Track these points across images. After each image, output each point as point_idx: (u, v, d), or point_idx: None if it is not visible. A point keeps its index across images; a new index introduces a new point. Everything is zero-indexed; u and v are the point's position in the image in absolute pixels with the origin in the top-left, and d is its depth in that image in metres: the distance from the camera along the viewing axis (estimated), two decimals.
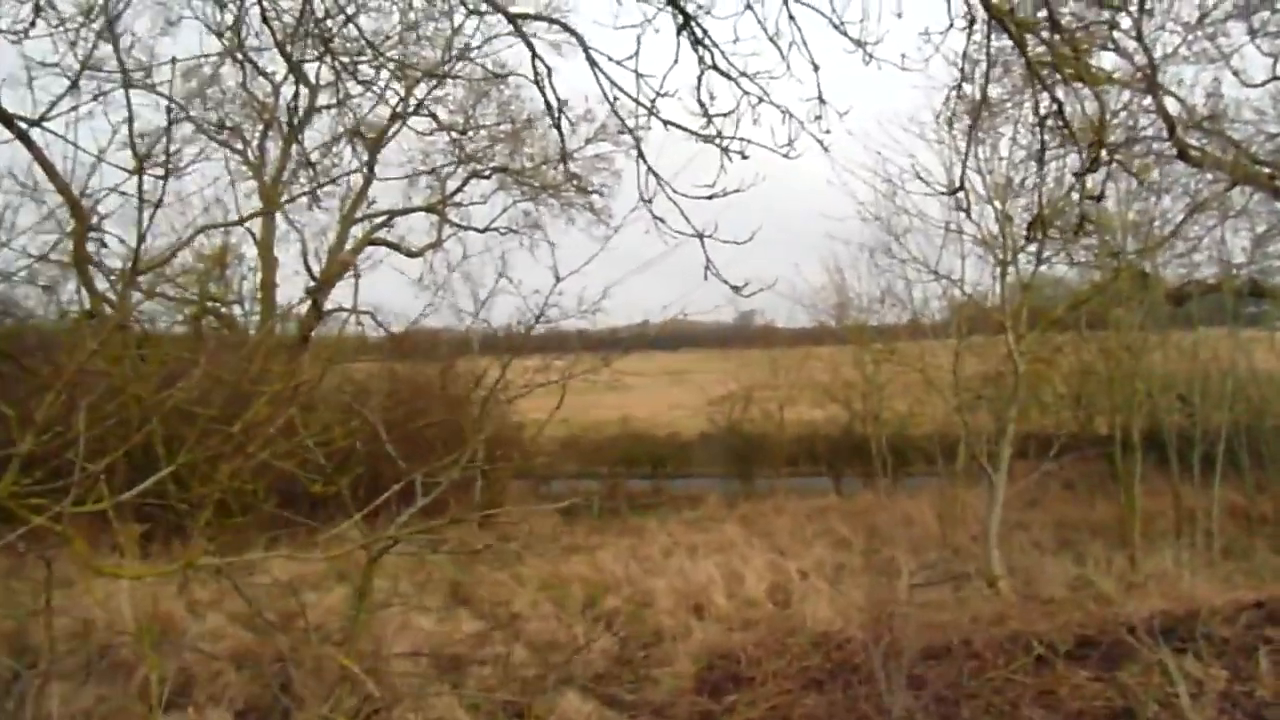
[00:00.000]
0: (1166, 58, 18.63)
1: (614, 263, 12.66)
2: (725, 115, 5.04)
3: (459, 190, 20.52)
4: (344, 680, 3.99)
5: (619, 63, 5.00)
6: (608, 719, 6.92)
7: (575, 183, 19.87)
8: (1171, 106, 18.42)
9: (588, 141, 18.65)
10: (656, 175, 5.92)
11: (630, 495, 20.74)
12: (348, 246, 19.44)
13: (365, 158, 19.55)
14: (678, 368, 26.62)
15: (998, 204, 11.08)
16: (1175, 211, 18.28)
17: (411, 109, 19.02)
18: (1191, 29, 17.56)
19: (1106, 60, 17.73)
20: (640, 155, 5.95)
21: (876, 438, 18.13)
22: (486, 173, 20.37)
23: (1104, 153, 4.34)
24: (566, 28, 6.03)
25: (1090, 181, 4.72)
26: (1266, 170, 18.71)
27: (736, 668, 7.98)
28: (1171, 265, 17.52)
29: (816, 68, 4.70)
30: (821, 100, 4.72)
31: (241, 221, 15.24)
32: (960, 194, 4.60)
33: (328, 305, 19.05)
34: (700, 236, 5.31)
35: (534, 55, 6.18)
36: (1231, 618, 6.56)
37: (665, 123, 5.25)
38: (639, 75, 4.95)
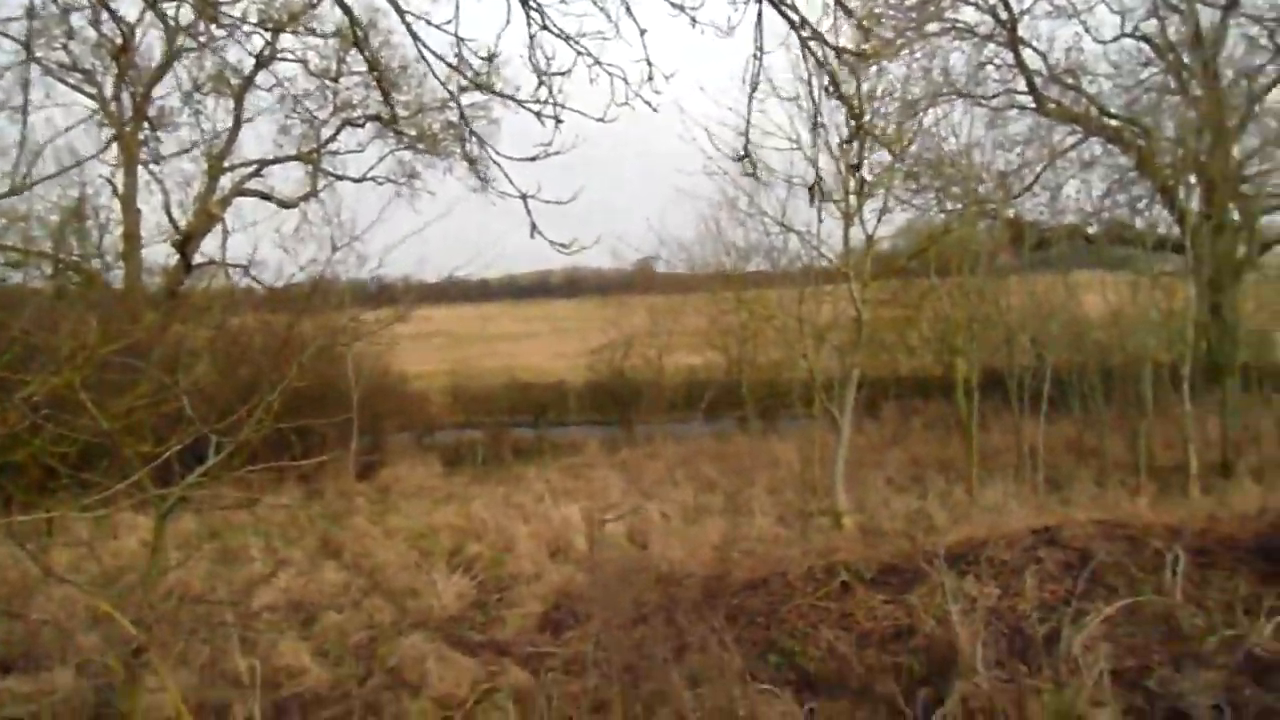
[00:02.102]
0: (1025, 12, 19.66)
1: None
2: (560, 75, 5.30)
3: (333, 139, 20.14)
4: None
5: (438, 27, 5.19)
6: (449, 658, 7.24)
7: (452, 131, 19.74)
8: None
9: (462, 90, 18.47)
10: (479, 138, 6.33)
11: (514, 444, 21.02)
12: (215, 197, 18.97)
13: (231, 105, 19.05)
14: (562, 315, 26.87)
15: (841, 162, 11.55)
16: (1036, 161, 19.50)
17: (278, 54, 18.55)
18: None
19: (969, 14, 18.55)
20: (462, 118, 6.25)
21: (748, 383, 18.79)
22: (361, 121, 20.02)
23: (860, 126, 4.72)
24: None
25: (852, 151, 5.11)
26: (1116, 124, 19.93)
27: (580, 606, 8.41)
28: (1030, 213, 18.68)
29: (643, 31, 5.00)
30: (649, 63, 5.01)
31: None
32: (746, 160, 4.88)
33: (196, 259, 18.68)
34: (524, 197, 5.59)
35: (351, 18, 6.37)
36: (1014, 542, 7.25)
37: (478, 86, 5.48)
38: (460, 39, 5.15)
